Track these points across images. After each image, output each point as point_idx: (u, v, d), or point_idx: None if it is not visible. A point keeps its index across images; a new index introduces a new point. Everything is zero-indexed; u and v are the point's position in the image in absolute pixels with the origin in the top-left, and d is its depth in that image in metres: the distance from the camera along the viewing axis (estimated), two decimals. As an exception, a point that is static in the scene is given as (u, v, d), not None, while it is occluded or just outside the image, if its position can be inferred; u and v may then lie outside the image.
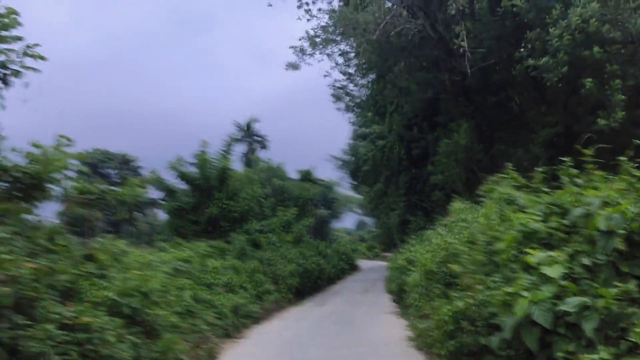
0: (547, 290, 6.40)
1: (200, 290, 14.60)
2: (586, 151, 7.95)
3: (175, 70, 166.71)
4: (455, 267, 8.60)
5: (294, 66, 25.07)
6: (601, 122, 15.16)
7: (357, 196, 76.46)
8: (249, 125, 48.61)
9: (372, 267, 47.30)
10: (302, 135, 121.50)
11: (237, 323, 15.48)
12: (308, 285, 25.33)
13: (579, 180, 7.85)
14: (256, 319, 17.11)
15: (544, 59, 16.21)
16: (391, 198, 37.77)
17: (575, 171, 8.02)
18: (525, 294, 6.49)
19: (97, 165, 71.71)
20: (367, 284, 30.72)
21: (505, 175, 9.96)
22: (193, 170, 26.69)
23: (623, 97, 15.12)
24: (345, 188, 66.13)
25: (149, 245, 23.44)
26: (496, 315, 7.05)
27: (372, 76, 30.19)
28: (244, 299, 17.01)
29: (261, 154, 49.37)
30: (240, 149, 52.58)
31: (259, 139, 50.14)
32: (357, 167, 48.59)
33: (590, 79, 15.53)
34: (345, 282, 33.34)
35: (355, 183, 58.11)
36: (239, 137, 47.19)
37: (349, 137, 50.76)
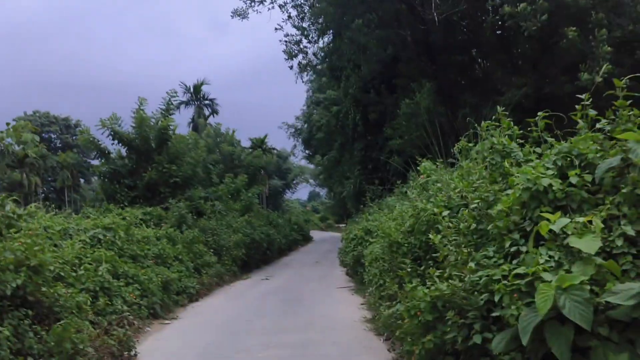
0: (579, 273, 4.30)
1: (122, 263, 12.13)
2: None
3: (129, 36, 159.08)
4: (435, 238, 6.44)
5: (240, 14, 22.35)
6: (583, 76, 13.25)
7: (311, 167, 74.52)
8: (197, 88, 45.26)
9: (325, 238, 45.48)
10: (257, 106, 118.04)
11: (167, 301, 13.12)
12: (256, 257, 23.08)
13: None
14: (193, 296, 14.79)
15: (522, 6, 14.14)
16: (345, 167, 35.71)
17: (594, 112, 5.91)
18: (547, 277, 4.38)
19: (39, 129, 66.99)
20: (319, 255, 28.72)
21: (494, 123, 7.85)
22: (129, 130, 23.82)
23: (609, 48, 13.23)
24: (298, 158, 63.70)
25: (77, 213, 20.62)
26: (496, 305, 4.96)
27: (327, 38, 27.82)
28: (178, 272, 14.62)
29: (211, 120, 46.31)
30: (188, 113, 49.42)
31: (208, 102, 46.94)
32: (310, 135, 46.25)
33: (573, 28, 13.56)
34: (297, 254, 31.28)
35: (309, 152, 55.85)
36: (186, 100, 44.12)
37: (303, 104, 48.17)
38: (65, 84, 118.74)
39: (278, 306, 13.33)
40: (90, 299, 9.80)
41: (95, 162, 25.57)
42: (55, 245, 12.32)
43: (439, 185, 9.20)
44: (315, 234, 48.54)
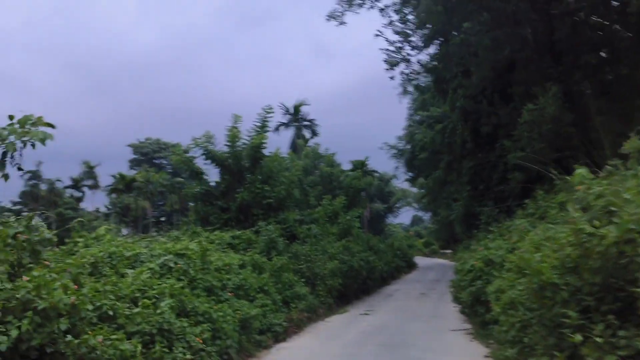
0: None
1: (193, 297, 10.01)
2: None
3: (235, 65, 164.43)
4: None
5: (335, 17, 20.18)
6: None
7: (413, 190, 71.03)
8: (296, 108, 43.79)
9: (430, 266, 41.96)
10: (357, 131, 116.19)
11: (246, 343, 10.84)
12: (354, 286, 20.45)
13: None
14: (279, 335, 12.44)
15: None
16: (452, 187, 32.33)
17: None
18: None
19: (149, 154, 69.08)
20: (425, 286, 25.55)
21: None
22: (223, 150, 22.28)
23: None
24: (400, 181, 60.59)
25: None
26: None
27: (432, 48, 25.07)
28: (262, 307, 12.34)
29: (310, 142, 44.65)
30: (287, 135, 48.12)
31: (307, 123, 45.36)
32: (413, 156, 43.18)
33: None
34: (401, 283, 28.26)
35: (412, 174, 52.63)
36: (286, 122, 42.81)
37: (405, 124, 45.34)
38: (178, 113, 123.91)
39: (381, 354, 10.60)
40: (142, 346, 7.69)
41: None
42: (122, 276, 10.57)
43: (604, 200, 6.20)
44: (419, 260, 45.01)
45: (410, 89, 29.67)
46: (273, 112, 23.19)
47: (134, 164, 66.94)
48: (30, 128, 5.61)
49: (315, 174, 35.77)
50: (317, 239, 21.11)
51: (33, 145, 5.69)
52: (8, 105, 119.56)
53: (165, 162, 75.79)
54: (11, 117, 5.87)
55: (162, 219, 71.11)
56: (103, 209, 67.26)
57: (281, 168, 23.43)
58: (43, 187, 67.98)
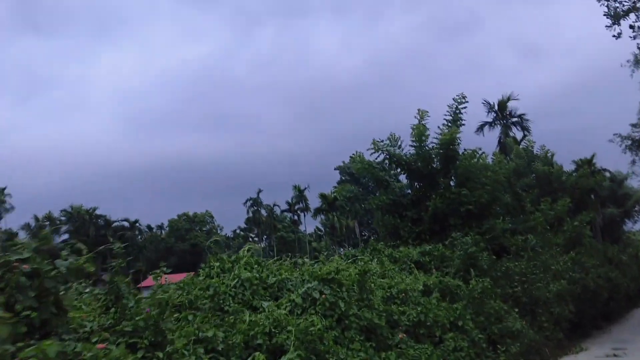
0: None
1: (335, 345, 6.73)
2: None
3: (438, 78, 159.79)
4: None
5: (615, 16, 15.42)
6: None
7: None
8: (502, 104, 38.01)
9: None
10: (579, 132, 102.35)
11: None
12: (591, 312, 15.11)
13: None
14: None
15: None
16: None
17: None
18: None
19: (355, 174, 68.38)
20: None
21: None
22: (409, 152, 18.80)
23: None
24: (637, 179, 50.06)
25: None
26: None
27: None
28: (453, 353, 8.49)
29: (522, 140, 38.48)
30: (492, 136, 42.39)
31: (516, 119, 39.20)
32: (655, 145, 34.55)
33: None
34: (656, 305, 21.42)
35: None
36: (491, 120, 37.50)
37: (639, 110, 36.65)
38: (384, 131, 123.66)
39: None
40: None
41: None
42: (256, 309, 7.84)
43: None
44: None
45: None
46: (466, 102, 19.04)
47: (340, 185, 67.00)
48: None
49: (530, 177, 30.08)
50: (535, 253, 16.36)
51: None
52: (239, 141, 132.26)
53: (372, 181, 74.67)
54: None
55: (373, 237, 69.72)
56: (316, 231, 68.62)
57: (482, 167, 19.11)
58: (264, 213, 71.88)
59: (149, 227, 78.52)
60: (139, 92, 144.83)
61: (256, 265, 9.34)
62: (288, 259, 10.99)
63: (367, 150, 18.57)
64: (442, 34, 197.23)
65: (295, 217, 65.50)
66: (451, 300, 10.26)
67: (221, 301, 7.69)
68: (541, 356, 11.15)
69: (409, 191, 19.02)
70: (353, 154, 18.71)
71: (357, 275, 8.18)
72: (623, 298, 19.21)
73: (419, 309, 8.70)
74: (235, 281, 8.43)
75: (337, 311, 7.55)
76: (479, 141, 39.90)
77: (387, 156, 18.61)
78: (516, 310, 11.49)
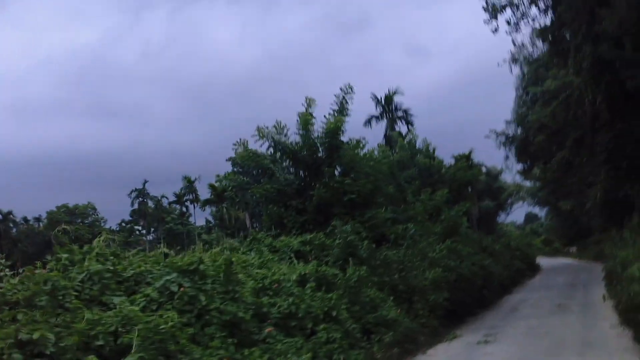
0: None
1: (188, 345, 5.96)
2: None
3: (332, 74, 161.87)
4: None
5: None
6: None
7: (527, 184, 63.62)
8: (388, 98, 38.92)
9: (555, 266, 35.37)
10: (460, 128, 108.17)
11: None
12: (466, 300, 15.48)
13: None
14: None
15: None
16: (585, 170, 26.18)
17: None
18: None
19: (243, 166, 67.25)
20: (559, 293, 19.85)
21: None
22: (295, 141, 18.30)
23: None
24: (512, 173, 53.55)
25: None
26: None
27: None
28: (325, 345, 8.02)
29: (406, 134, 39.56)
30: (379, 129, 43.22)
31: (400, 114, 40.34)
32: (526, 142, 36.93)
33: None
34: (525, 290, 22.64)
35: (524, 165, 45.94)
36: (378, 114, 38.22)
37: (513, 106, 39.12)
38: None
39: None
40: None
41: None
42: (105, 305, 6.88)
43: None
44: (541, 261, 38.30)
45: (520, 40, 24.01)
46: (353, 93, 18.83)
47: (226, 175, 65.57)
48: None
49: (412, 169, 30.87)
50: (414, 241, 16.53)
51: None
52: (129, 132, 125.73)
53: (254, 171, 73.78)
54: None
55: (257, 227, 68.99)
56: (207, 223, 66.57)
57: (366, 158, 19.08)
58: (151, 205, 68.56)
59: (25, 219, 72.30)
60: (21, 77, 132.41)
61: (112, 257, 8.28)
62: (171, 251, 10.02)
63: (252, 137, 17.83)
64: (336, 30, 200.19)
65: (185, 209, 63.24)
66: (328, 289, 9.81)
67: (60, 297, 6.63)
68: (416, 344, 11.06)
69: (294, 180, 18.54)
70: (236, 142, 17.82)
71: (222, 266, 7.42)
72: (496, 286, 20.03)
73: (290, 299, 8.12)
74: (83, 274, 7.38)
75: (197, 305, 6.77)
76: (368, 135, 40.52)
77: (272, 144, 17.99)
78: (392, 298, 11.31)
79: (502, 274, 21.57)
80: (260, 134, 17.72)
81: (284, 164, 18.63)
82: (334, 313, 8.91)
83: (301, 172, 18.39)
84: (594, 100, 21.39)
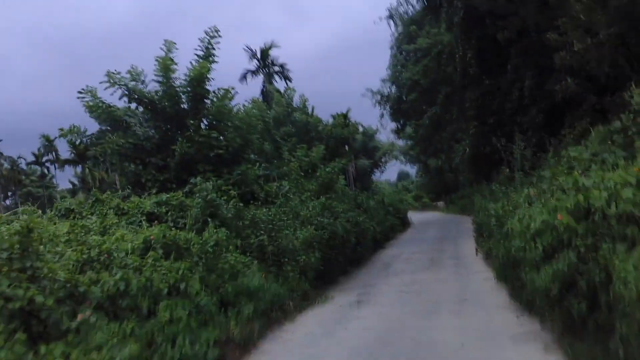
0: None
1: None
2: None
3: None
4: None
5: None
6: None
7: (400, 143, 65.31)
8: (264, 52, 36.91)
9: (426, 220, 36.25)
10: (340, 92, 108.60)
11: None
12: (340, 258, 14.54)
13: None
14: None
15: None
16: (453, 126, 26.40)
17: None
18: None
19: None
20: (430, 246, 19.79)
21: None
22: (154, 89, 16.03)
23: None
24: (387, 130, 54.47)
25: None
26: None
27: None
28: (166, 326, 6.41)
29: (283, 89, 38.02)
30: (257, 83, 41.31)
31: (277, 68, 38.61)
32: (399, 100, 37.06)
33: None
34: (398, 245, 22.47)
35: (398, 124, 46.57)
36: (254, 69, 36.29)
37: (389, 64, 38.91)
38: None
39: None
40: None
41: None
42: None
43: None
44: (411, 215, 39.22)
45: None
46: (219, 36, 16.82)
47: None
48: None
49: (288, 126, 29.55)
50: (286, 199, 15.23)
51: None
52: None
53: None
54: None
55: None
56: (73, 186, 60.84)
57: (236, 111, 17.36)
58: (6, 165, 61.21)
59: None
60: None
61: None
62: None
63: (100, 83, 15.27)
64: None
65: (46, 171, 57.16)
66: (178, 257, 8.15)
67: None
68: (284, 312, 9.80)
69: (154, 134, 16.35)
70: (82, 89, 15.14)
71: (16, 236, 5.45)
72: (369, 242, 19.46)
73: (119, 274, 6.35)
74: None
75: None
76: (244, 91, 38.45)
77: (126, 92, 15.60)
78: (256, 262, 9.89)
79: (376, 230, 21.11)
80: (111, 80, 15.25)
81: (142, 116, 16.37)
82: (182, 285, 7.29)
83: (162, 126, 16.26)
84: (465, 55, 21.18)
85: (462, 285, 11.40)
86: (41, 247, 5.73)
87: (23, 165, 56.69)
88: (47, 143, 51.40)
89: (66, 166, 55.30)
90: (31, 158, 56.71)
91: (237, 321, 7.78)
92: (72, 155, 38.88)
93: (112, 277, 6.23)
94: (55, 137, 48.72)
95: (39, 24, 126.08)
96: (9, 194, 65.15)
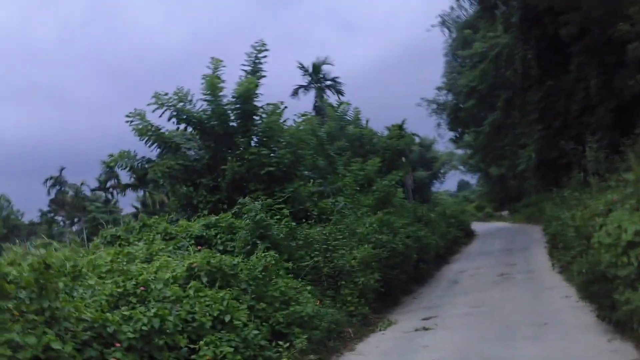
0: None
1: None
2: None
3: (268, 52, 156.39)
4: None
5: None
6: None
7: (459, 152, 63.48)
8: (316, 67, 36.49)
9: (490, 231, 34.42)
10: (394, 102, 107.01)
11: None
12: (401, 276, 13.48)
13: None
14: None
15: None
16: (517, 130, 24.83)
17: None
18: None
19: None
20: (498, 260, 18.36)
21: None
22: (202, 108, 15.64)
23: None
24: (444, 140, 52.79)
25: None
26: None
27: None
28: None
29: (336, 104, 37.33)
30: (309, 98, 40.74)
31: (329, 82, 38.02)
32: (456, 108, 35.59)
33: None
34: (463, 259, 21.11)
35: (456, 133, 45.00)
36: (306, 84, 35.83)
37: (444, 72, 37.59)
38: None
39: None
40: None
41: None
42: None
43: None
44: (475, 226, 37.40)
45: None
46: (267, 50, 16.29)
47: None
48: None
49: (342, 140, 28.74)
50: (342, 216, 14.35)
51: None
52: (57, 116, 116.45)
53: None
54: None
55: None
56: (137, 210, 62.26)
57: (287, 126, 16.70)
58: (71, 193, 63.27)
59: None
60: None
61: None
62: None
63: (148, 105, 15.01)
64: (262, 4, 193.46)
65: (110, 196, 58.78)
66: (224, 285, 7.45)
67: None
68: (343, 340, 8.92)
69: (204, 154, 15.92)
70: (130, 113, 14.93)
71: (31, 274, 4.84)
72: (433, 257, 18.29)
73: (154, 310, 5.66)
74: None
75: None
76: (296, 108, 37.97)
77: (175, 113, 15.27)
78: (308, 288, 9.04)
79: (439, 244, 19.87)
80: (159, 102, 14.96)
81: (192, 136, 16.02)
82: (227, 318, 6.55)
83: (212, 145, 15.81)
84: (524, 56, 19.80)
85: (537, 303, 10.15)
86: (61, 284, 5.10)
87: (87, 192, 58.52)
88: (107, 169, 52.83)
89: (129, 190, 56.81)
90: (95, 184, 58.51)
91: (289, 354, 6.95)
92: (132, 179, 39.76)
93: (146, 314, 5.55)
94: (107, 163, 50.05)
95: (98, 54, 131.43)
96: (75, 220, 67.46)
